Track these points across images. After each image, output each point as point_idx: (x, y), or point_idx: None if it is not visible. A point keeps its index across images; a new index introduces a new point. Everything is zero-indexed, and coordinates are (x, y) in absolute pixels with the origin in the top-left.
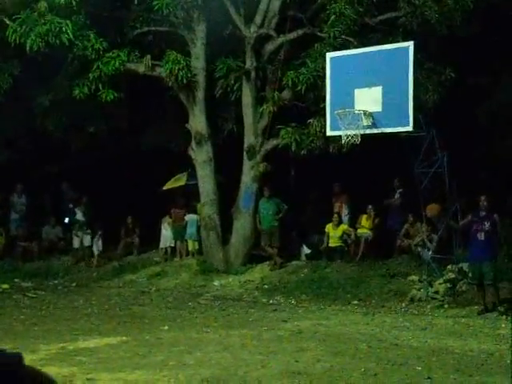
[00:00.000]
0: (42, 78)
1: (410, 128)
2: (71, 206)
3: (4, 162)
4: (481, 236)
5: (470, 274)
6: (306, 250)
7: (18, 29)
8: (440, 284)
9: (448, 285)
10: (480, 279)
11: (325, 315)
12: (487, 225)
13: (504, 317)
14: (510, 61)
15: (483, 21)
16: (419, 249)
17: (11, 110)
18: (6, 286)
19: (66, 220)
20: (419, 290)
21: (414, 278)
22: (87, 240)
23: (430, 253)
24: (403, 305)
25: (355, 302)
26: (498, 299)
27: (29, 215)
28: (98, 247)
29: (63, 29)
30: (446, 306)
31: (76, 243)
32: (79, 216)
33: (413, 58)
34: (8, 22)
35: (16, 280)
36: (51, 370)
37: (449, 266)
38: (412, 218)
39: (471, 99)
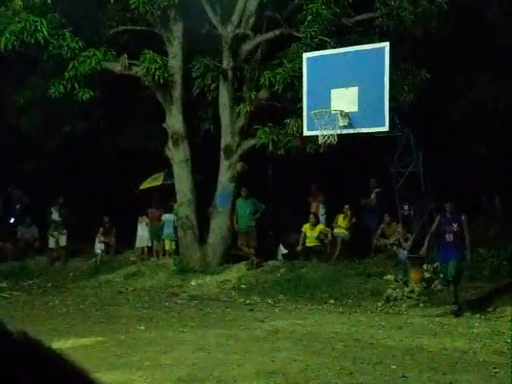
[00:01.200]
0: (17, 76)
1: (385, 128)
2: (17, 207)
3: None
4: (449, 237)
5: (440, 275)
6: (282, 250)
7: None
8: (415, 283)
9: (423, 284)
10: (446, 276)
11: (301, 315)
12: (455, 226)
13: (478, 315)
14: (483, 61)
15: (457, 22)
16: (395, 248)
17: None
18: None
19: (12, 220)
20: (395, 289)
21: (390, 277)
22: (63, 240)
23: (406, 252)
24: (379, 304)
25: (331, 301)
26: (455, 298)
27: (3, 215)
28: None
29: (38, 27)
30: (421, 305)
31: (52, 243)
32: (55, 216)
33: (389, 58)
34: None
35: None
36: None
37: (423, 266)
38: (388, 218)
39: (446, 99)
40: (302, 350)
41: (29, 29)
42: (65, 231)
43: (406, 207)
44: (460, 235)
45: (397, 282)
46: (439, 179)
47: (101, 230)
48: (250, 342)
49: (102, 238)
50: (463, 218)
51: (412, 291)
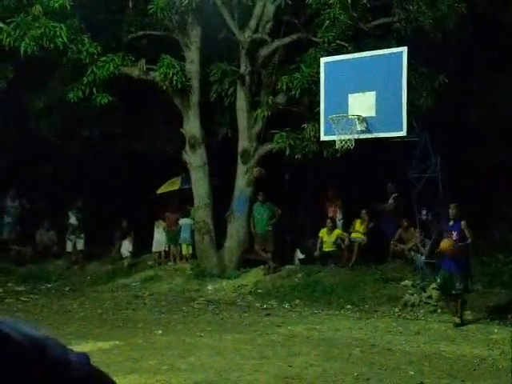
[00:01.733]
0: (36, 81)
1: (403, 133)
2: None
3: None
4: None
5: (437, 280)
6: (299, 255)
7: (12, 32)
8: (433, 289)
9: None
10: (450, 289)
11: (318, 320)
12: (455, 234)
13: (497, 322)
14: (501, 66)
15: (476, 26)
16: (412, 254)
17: (5, 113)
18: None
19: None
20: (412, 294)
21: (408, 282)
22: (80, 244)
23: (423, 258)
24: (396, 309)
25: (349, 306)
26: (460, 310)
27: (22, 219)
28: (127, 251)
29: (57, 32)
30: (439, 310)
31: (69, 247)
32: (72, 220)
33: (406, 63)
34: (2, 26)
35: (9, 284)
36: None
37: (441, 272)
38: (406, 223)
39: (463, 103)
40: (318, 356)
41: (48, 34)
42: (82, 235)
43: (424, 212)
44: (460, 243)
45: (414, 287)
46: (457, 184)
47: (116, 234)
48: (267, 347)
49: (127, 242)
50: (463, 224)
51: (430, 297)
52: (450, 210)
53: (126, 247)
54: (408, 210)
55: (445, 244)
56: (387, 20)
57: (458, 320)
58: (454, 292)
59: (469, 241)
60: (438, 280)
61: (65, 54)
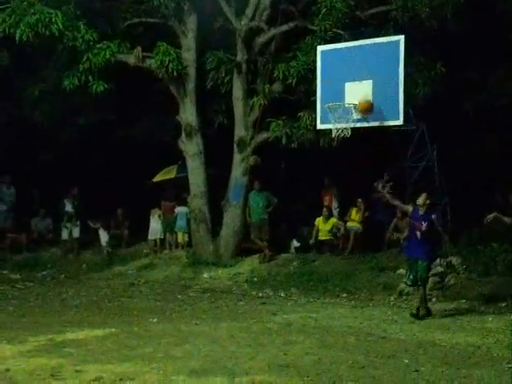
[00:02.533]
0: (32, 68)
1: (400, 122)
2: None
3: None
4: (418, 235)
5: (410, 277)
6: (295, 243)
7: (7, 19)
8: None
9: (436, 278)
10: (416, 279)
11: (314, 308)
12: (424, 225)
13: (491, 310)
14: (499, 55)
15: (474, 15)
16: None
17: (0, 101)
18: None
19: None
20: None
21: (403, 271)
22: (76, 232)
23: None
24: (392, 298)
25: (344, 295)
26: (424, 302)
27: (17, 207)
28: (105, 240)
29: (53, 19)
30: (434, 299)
31: (65, 235)
32: (68, 208)
33: (403, 51)
34: None
35: (4, 272)
36: (39, 362)
37: (437, 260)
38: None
39: (460, 93)
40: (314, 344)
41: (44, 21)
42: (78, 223)
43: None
44: (427, 236)
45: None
46: (453, 174)
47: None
48: (263, 335)
49: (104, 232)
50: (433, 216)
51: None
52: (420, 199)
53: (104, 237)
54: (404, 198)
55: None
56: (384, 8)
57: (423, 312)
58: (419, 282)
59: (446, 238)
60: (411, 277)
61: (60, 41)
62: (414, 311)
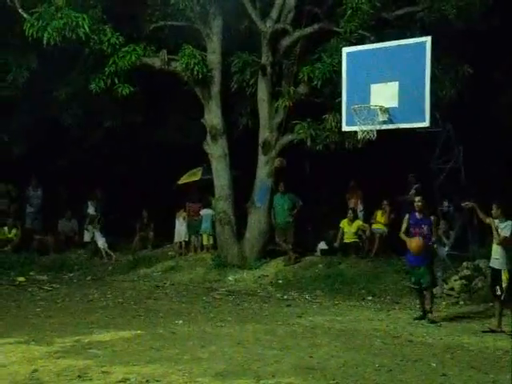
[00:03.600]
0: (59, 72)
1: (426, 123)
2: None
3: (20, 155)
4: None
5: (412, 279)
6: (323, 246)
7: (36, 23)
8: (455, 281)
9: (463, 282)
10: (420, 284)
11: (339, 311)
12: (425, 228)
13: None
14: None
15: (501, 15)
16: (435, 245)
17: (28, 104)
18: (21, 278)
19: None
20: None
21: None
22: (97, 234)
23: (446, 249)
24: (418, 301)
25: (370, 297)
26: (431, 305)
27: (44, 208)
28: (100, 241)
29: (80, 23)
30: (461, 302)
31: (87, 237)
32: (91, 210)
33: (430, 53)
34: (26, 16)
35: (32, 273)
36: (66, 363)
37: (464, 263)
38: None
39: (487, 94)
40: (340, 347)
41: (71, 25)
42: (99, 226)
43: (446, 203)
44: (429, 238)
45: (436, 279)
46: (480, 175)
47: (137, 224)
48: (288, 338)
49: (90, 227)
50: (432, 219)
51: (452, 288)
52: (416, 203)
53: (100, 240)
54: (430, 201)
55: (414, 243)
56: (410, 9)
57: (431, 316)
58: (425, 286)
59: (433, 239)
60: (413, 279)
61: (87, 45)
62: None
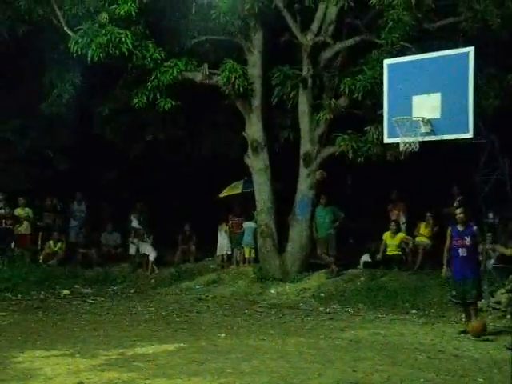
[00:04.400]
0: (102, 87)
1: (470, 135)
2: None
3: (64, 170)
4: (462, 252)
5: (453, 293)
6: (366, 258)
7: (80, 40)
8: (502, 294)
9: (510, 295)
10: (464, 297)
11: (382, 324)
12: (468, 239)
13: None
14: None
15: None
16: (480, 258)
17: (72, 119)
18: (66, 292)
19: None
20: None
21: None
22: (144, 247)
23: (492, 262)
24: (463, 315)
25: (414, 311)
26: (474, 318)
27: (88, 222)
28: (151, 254)
29: (123, 39)
30: (508, 316)
31: (132, 250)
32: (135, 223)
33: (473, 63)
34: (70, 34)
35: (76, 286)
36: (111, 375)
37: (511, 276)
38: None
39: None
40: (384, 361)
41: (114, 41)
42: (146, 238)
43: (491, 215)
44: (474, 249)
45: (482, 292)
46: None
47: (180, 237)
48: (331, 351)
49: (136, 240)
50: (475, 229)
51: (498, 302)
52: (458, 215)
53: (152, 254)
54: (475, 213)
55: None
56: (453, 20)
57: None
58: (469, 301)
59: (481, 247)
60: (454, 293)
61: (130, 60)
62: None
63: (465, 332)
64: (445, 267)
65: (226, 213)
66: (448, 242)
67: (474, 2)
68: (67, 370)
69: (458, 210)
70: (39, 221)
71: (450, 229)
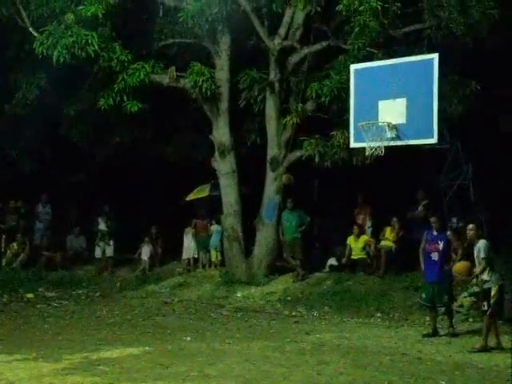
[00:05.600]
0: (68, 89)
1: (434, 140)
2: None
3: (29, 172)
4: (434, 256)
5: (422, 295)
6: (333, 262)
7: (45, 41)
8: (464, 297)
9: (472, 299)
10: (433, 301)
11: (347, 328)
12: (441, 244)
13: None
14: None
15: (508, 32)
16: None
17: (37, 121)
18: (30, 295)
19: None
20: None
21: None
22: (110, 250)
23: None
24: (427, 318)
25: (378, 314)
26: (451, 323)
27: (53, 225)
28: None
29: (89, 41)
30: (470, 319)
31: (98, 253)
32: (101, 226)
33: (437, 70)
34: (35, 34)
35: (40, 289)
36: (74, 380)
37: (473, 280)
38: None
39: (496, 111)
40: (348, 364)
41: (80, 42)
42: (111, 241)
43: (455, 220)
44: (446, 255)
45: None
46: (489, 192)
47: (146, 239)
48: (296, 355)
49: (150, 246)
50: (449, 235)
51: (461, 305)
52: (433, 224)
53: (146, 253)
54: (439, 217)
55: (459, 268)
56: (418, 26)
57: (452, 330)
58: (439, 305)
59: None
60: (424, 295)
61: (96, 62)
62: (451, 331)
63: (428, 335)
64: (423, 271)
65: (192, 216)
66: (422, 245)
67: (438, 10)
68: (30, 375)
69: (433, 219)
70: (2, 223)
71: (425, 233)
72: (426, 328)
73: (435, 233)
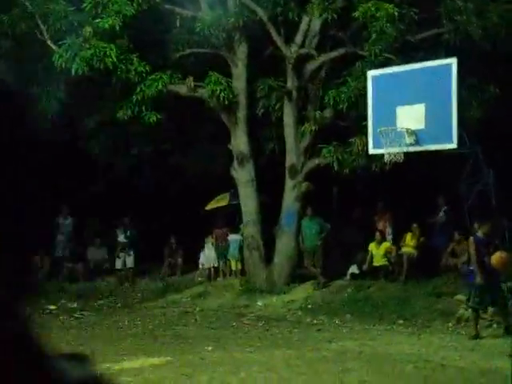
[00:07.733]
0: (87, 101)
1: (454, 145)
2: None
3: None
4: (488, 260)
5: (476, 299)
6: (354, 269)
7: (64, 54)
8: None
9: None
10: (486, 304)
11: (370, 335)
12: (491, 247)
13: None
14: None
15: None
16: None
17: (56, 133)
18: (53, 307)
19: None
20: (466, 309)
21: (461, 297)
22: (130, 261)
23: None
24: (450, 325)
25: (400, 321)
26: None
27: (74, 237)
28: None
29: (107, 53)
30: (494, 325)
31: (118, 264)
32: (121, 237)
33: (456, 74)
34: (54, 48)
35: (62, 301)
36: None
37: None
38: (458, 237)
39: None
40: (371, 371)
41: (98, 55)
42: (132, 252)
43: (477, 225)
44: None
45: (468, 301)
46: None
47: (166, 251)
48: (318, 363)
49: (122, 254)
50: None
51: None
52: (479, 225)
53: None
54: (460, 223)
55: (500, 258)
56: (435, 31)
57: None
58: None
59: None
60: (477, 300)
61: (114, 74)
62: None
63: (475, 338)
64: (480, 275)
65: (212, 226)
66: (474, 250)
67: (455, 14)
68: None
69: (481, 224)
70: None
71: (471, 239)
72: (450, 334)
73: (483, 237)
